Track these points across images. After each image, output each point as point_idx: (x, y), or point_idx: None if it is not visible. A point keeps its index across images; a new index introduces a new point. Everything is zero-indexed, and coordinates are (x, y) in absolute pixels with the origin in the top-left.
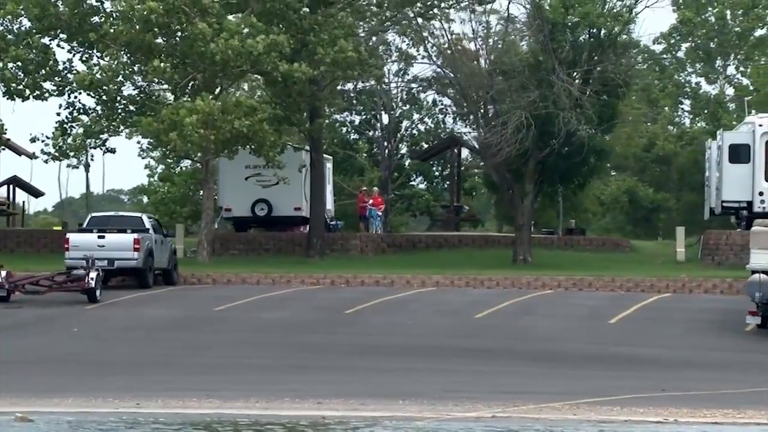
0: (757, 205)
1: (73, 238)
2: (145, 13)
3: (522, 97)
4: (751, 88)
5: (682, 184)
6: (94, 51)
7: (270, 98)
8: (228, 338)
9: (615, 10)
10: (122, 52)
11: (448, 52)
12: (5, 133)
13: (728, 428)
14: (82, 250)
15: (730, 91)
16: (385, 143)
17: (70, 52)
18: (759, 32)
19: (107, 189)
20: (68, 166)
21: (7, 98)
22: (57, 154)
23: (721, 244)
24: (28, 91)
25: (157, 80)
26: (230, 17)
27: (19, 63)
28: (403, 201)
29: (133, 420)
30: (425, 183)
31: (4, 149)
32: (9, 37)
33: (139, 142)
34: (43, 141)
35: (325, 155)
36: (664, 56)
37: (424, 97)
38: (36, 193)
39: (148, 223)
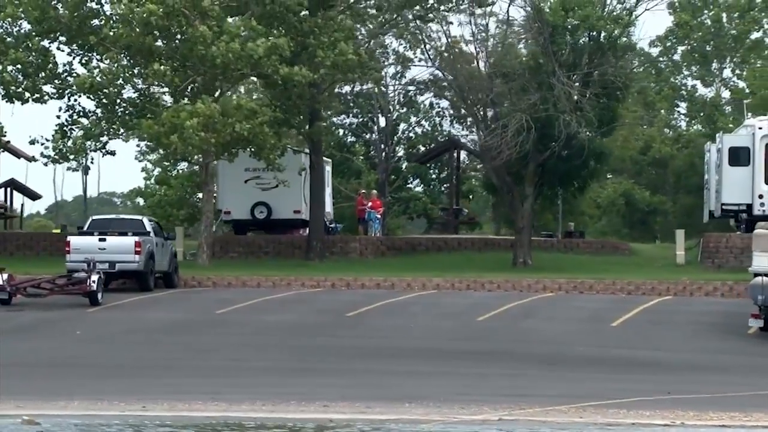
0: (757, 207)
1: (74, 240)
2: (144, 15)
3: (522, 100)
4: (747, 90)
5: (679, 187)
6: (94, 54)
7: (270, 101)
8: (231, 341)
9: (615, 13)
10: (122, 55)
11: (447, 55)
12: (5, 136)
13: (736, 431)
14: (84, 253)
15: (726, 94)
16: (382, 146)
17: (70, 55)
18: (755, 35)
19: (100, 192)
20: (68, 169)
21: (6, 101)
22: (57, 157)
23: (721, 247)
24: (27, 94)
25: (157, 83)
26: (230, 20)
27: (19, 66)
28: (401, 204)
29: (140, 423)
30: (422, 186)
31: (2, 152)
32: (8, 39)
33: (138, 145)
34: (42, 144)
35: (324, 158)
36: (661, 59)
37: (421, 100)
38: (33, 196)
39: (149, 226)
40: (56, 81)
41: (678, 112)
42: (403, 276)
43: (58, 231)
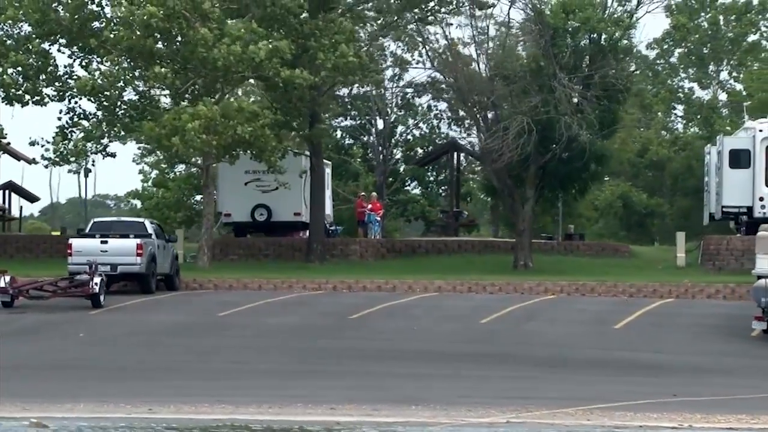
0: (757, 210)
1: (76, 243)
2: (145, 18)
3: (523, 102)
4: (744, 93)
5: (676, 189)
6: (94, 56)
7: (270, 103)
8: (234, 343)
9: (615, 16)
10: (123, 58)
11: (447, 57)
12: (5, 138)
13: None
14: (85, 255)
15: (723, 96)
16: (380, 148)
17: (71, 58)
18: (752, 38)
19: (92, 194)
20: (69, 171)
21: (6, 104)
22: (57, 159)
23: (721, 249)
24: (27, 97)
25: (157, 86)
26: (231, 23)
27: (20, 68)
28: (398, 206)
29: (147, 425)
30: (420, 188)
31: (2, 154)
32: (9, 42)
33: (139, 147)
34: (43, 146)
35: (324, 160)
36: (658, 61)
37: (419, 102)
38: (31, 198)
39: (150, 228)
40: (57, 83)
41: (675, 114)
42: (404, 278)
43: (58, 233)
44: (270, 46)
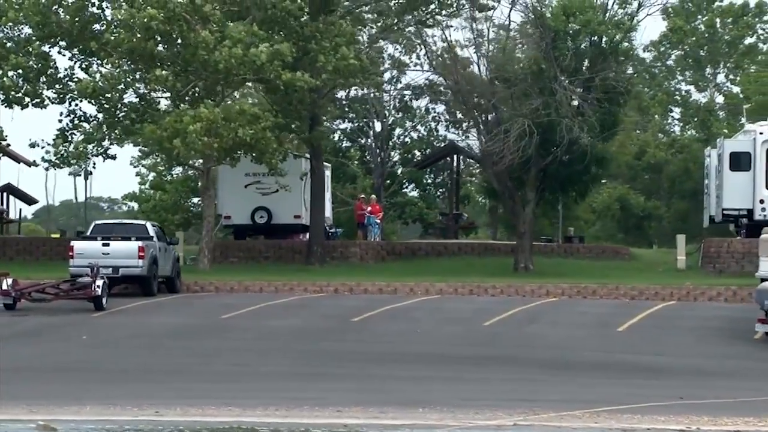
0: (757, 212)
1: (78, 245)
2: (145, 21)
3: (524, 105)
4: (741, 96)
5: (673, 192)
6: (94, 59)
7: (270, 106)
8: (238, 346)
9: (616, 18)
10: (124, 60)
11: (447, 60)
12: (5, 140)
13: None
14: (87, 258)
15: (719, 99)
16: (378, 151)
17: (71, 60)
18: (748, 40)
19: (86, 197)
20: (70, 174)
21: (6, 106)
22: (58, 161)
23: (722, 252)
24: (27, 99)
25: (159, 88)
26: (231, 25)
27: (20, 71)
28: (396, 209)
29: (153, 428)
30: (417, 191)
31: (1, 156)
32: (9, 45)
33: (141, 150)
34: (43, 147)
35: (324, 163)
36: (655, 64)
37: (417, 105)
38: (29, 201)
39: (152, 231)
40: (57, 86)
41: (672, 117)
42: (405, 281)
43: (57, 235)
44: (271, 49)
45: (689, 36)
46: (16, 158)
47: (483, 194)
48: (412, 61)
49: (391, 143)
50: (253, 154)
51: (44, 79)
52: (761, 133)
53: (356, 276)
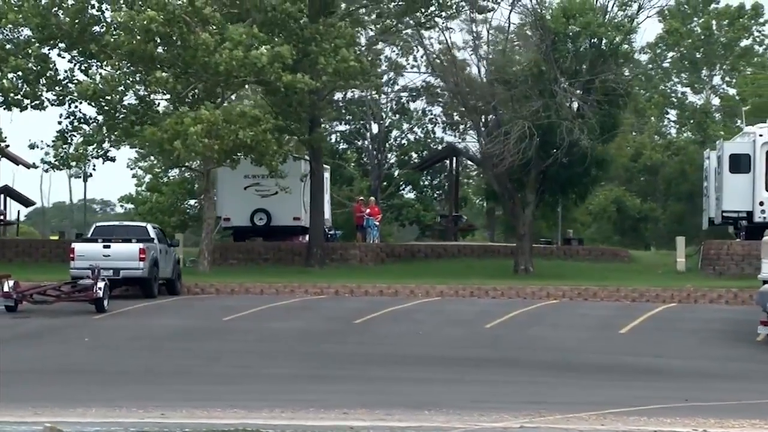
0: (757, 215)
1: (79, 247)
2: (145, 23)
3: (524, 107)
4: (738, 98)
5: (669, 194)
6: (94, 61)
7: (270, 108)
8: (241, 348)
9: (616, 20)
10: (123, 63)
11: (446, 62)
12: (4, 141)
13: None
14: (88, 260)
15: (715, 101)
16: (375, 153)
17: (71, 62)
18: (744, 42)
19: (78, 199)
20: (70, 176)
21: (4, 108)
22: (57, 163)
23: (722, 254)
24: (26, 101)
25: (160, 90)
26: (231, 27)
27: (20, 73)
28: (393, 211)
29: (160, 430)
30: (414, 193)
31: (1, 158)
32: (8, 47)
33: (138, 152)
34: (42, 149)
35: (323, 165)
36: (651, 66)
37: (414, 107)
38: (27, 203)
39: (152, 233)
40: (57, 88)
41: (668, 119)
42: (405, 283)
43: (56, 237)
44: (272, 51)
45: (685, 38)
46: (15, 160)
47: (481, 196)
48: (409, 63)
49: (387, 145)
50: (253, 156)
51: (44, 81)
52: (761, 135)
53: (356, 278)
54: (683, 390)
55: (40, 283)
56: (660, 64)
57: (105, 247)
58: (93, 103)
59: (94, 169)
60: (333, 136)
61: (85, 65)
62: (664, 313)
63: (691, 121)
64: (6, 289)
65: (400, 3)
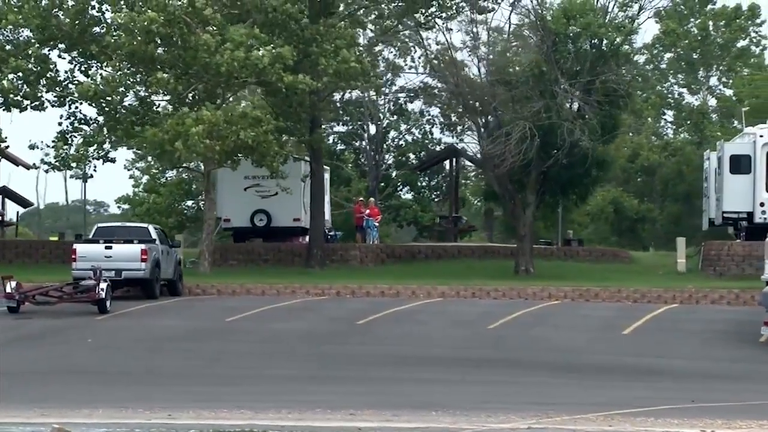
0: (758, 215)
1: (81, 248)
2: (145, 24)
3: (525, 108)
4: (735, 98)
5: (666, 194)
6: (94, 62)
7: (271, 109)
8: (244, 349)
9: (616, 21)
10: (124, 63)
11: (446, 62)
12: (5, 141)
13: None
14: (90, 261)
15: (712, 102)
16: (373, 154)
17: (71, 63)
18: (741, 43)
19: (72, 200)
20: (71, 176)
21: (4, 109)
22: (57, 163)
23: (722, 254)
24: (26, 102)
25: (160, 91)
26: (232, 28)
27: (20, 74)
28: (391, 212)
29: (166, 431)
30: (412, 193)
31: (1, 158)
32: (8, 47)
33: (135, 152)
34: (42, 150)
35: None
36: (647, 66)
37: (411, 108)
38: (25, 204)
39: (154, 234)
40: (57, 89)
41: (665, 120)
42: (407, 284)
43: (56, 238)
44: (273, 52)
45: (682, 39)
46: (15, 161)
47: (480, 197)
48: (406, 64)
49: (385, 146)
50: (254, 157)
51: (44, 82)
52: (761, 136)
53: (357, 279)
54: (687, 391)
55: (42, 284)
56: (657, 64)
57: (107, 248)
58: (93, 104)
59: (94, 170)
60: (331, 137)
61: (86, 66)
62: (666, 313)
63: (688, 122)
64: (8, 290)
65: (400, 3)
